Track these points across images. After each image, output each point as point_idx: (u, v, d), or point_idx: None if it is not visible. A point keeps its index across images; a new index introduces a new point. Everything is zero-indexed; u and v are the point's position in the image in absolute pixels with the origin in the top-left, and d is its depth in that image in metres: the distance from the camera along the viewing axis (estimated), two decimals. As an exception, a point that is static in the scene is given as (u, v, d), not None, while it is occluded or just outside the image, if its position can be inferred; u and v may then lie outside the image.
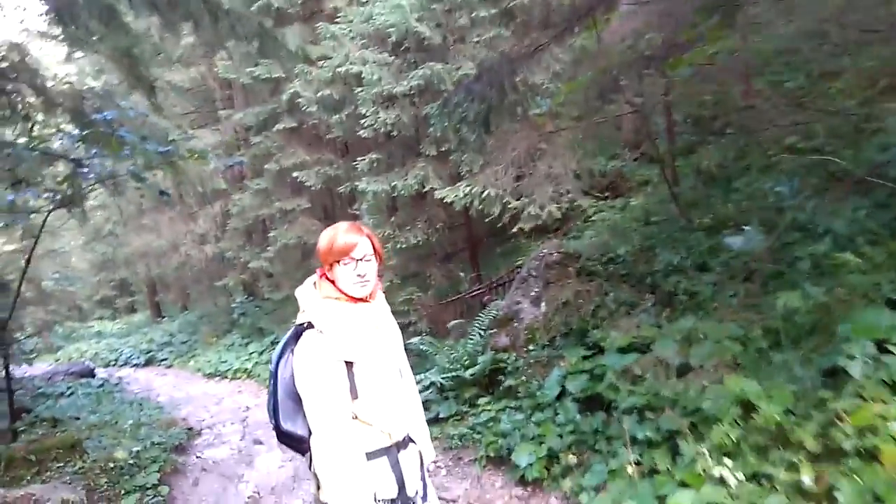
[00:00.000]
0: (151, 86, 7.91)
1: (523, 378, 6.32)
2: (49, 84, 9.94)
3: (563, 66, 7.69)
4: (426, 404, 7.04)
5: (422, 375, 7.31)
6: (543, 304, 6.86)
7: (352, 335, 2.23)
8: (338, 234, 2.29)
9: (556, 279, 6.91)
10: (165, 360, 18.68)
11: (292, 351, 2.29)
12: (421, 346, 7.64)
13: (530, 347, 6.63)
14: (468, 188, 5.13)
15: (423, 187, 8.64)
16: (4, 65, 9.06)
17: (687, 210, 7.09)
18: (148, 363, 19.21)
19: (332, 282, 2.31)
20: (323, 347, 2.17)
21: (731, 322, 4.67)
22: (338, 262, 2.26)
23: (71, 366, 17.50)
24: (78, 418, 8.46)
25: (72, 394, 13.45)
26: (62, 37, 8.73)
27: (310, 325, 2.24)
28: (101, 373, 17.55)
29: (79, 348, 22.81)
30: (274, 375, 2.35)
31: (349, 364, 2.21)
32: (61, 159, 8.15)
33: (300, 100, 11.42)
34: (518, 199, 5.56)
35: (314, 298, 2.29)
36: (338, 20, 10.82)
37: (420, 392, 7.45)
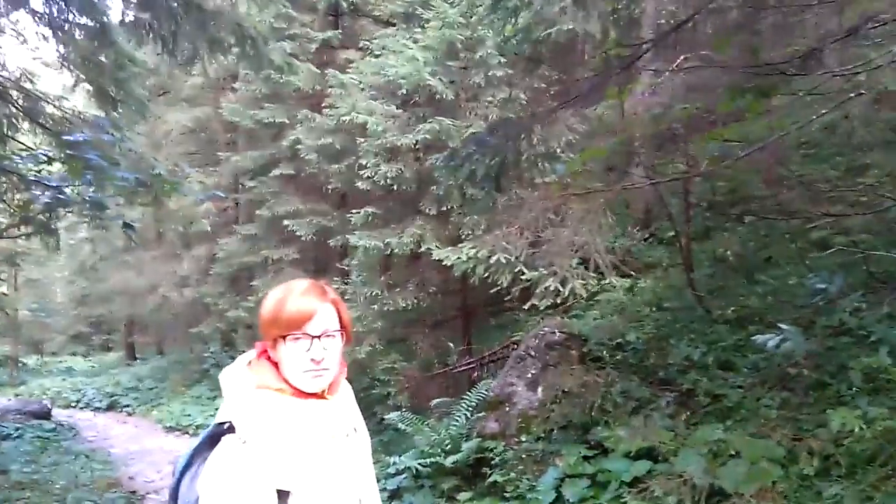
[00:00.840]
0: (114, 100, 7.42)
1: (512, 474, 5.52)
2: (46, 109, 9.45)
3: (579, 134, 7.20)
4: (398, 492, 6.16)
5: (396, 458, 6.45)
6: (541, 389, 6.10)
7: (291, 450, 1.47)
8: (289, 296, 1.57)
9: (557, 362, 6.18)
10: (128, 406, 17.59)
11: (203, 462, 1.56)
12: (399, 424, 6.80)
13: (522, 438, 5.84)
14: (472, 251, 4.40)
15: (419, 247, 8.02)
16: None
17: (705, 299, 6.44)
18: (110, 407, 18.10)
19: (275, 364, 1.58)
20: (243, 467, 1.42)
21: (766, 438, 3.93)
22: (285, 337, 1.54)
23: (27, 404, 16.41)
24: (6, 472, 7.49)
25: (19, 436, 12.43)
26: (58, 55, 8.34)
27: (231, 429, 1.49)
28: (58, 414, 16.47)
29: (42, 384, 21.64)
30: (174, 491, 1.60)
31: (282, 495, 1.46)
32: (38, 184, 7.56)
33: (300, 146, 10.96)
34: (533, 270, 4.74)
35: (243, 387, 1.55)
36: (349, 70, 10.47)
37: (393, 476, 6.61)
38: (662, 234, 9.58)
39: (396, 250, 8.10)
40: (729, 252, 7.65)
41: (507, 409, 6.17)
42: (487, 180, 4.35)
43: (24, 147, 6.61)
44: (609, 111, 7.49)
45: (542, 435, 5.72)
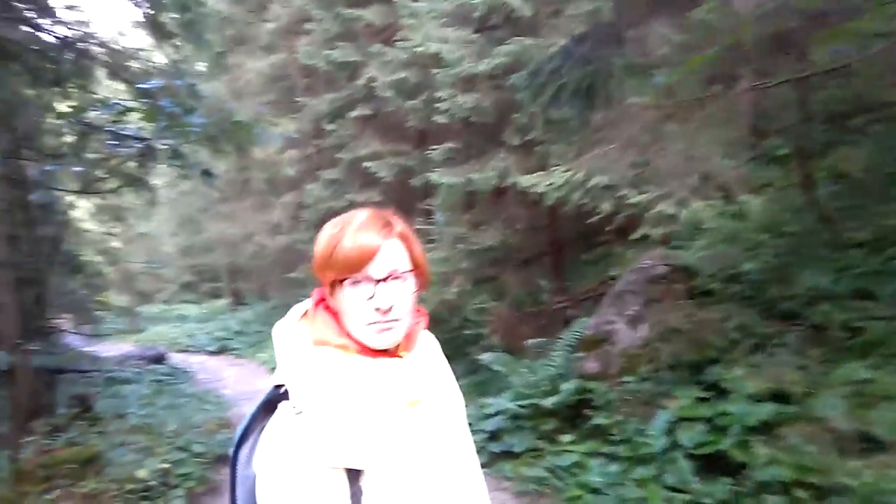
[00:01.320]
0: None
1: (617, 416, 5.18)
2: (127, 63, 9.54)
3: (675, 44, 6.40)
4: (496, 434, 5.97)
5: (492, 399, 6.25)
6: (645, 326, 5.65)
7: (359, 421, 1.16)
8: (345, 229, 1.25)
9: (662, 298, 5.68)
10: (237, 349, 18.49)
11: (259, 433, 1.27)
12: (493, 365, 6.57)
13: (626, 378, 5.45)
14: (565, 176, 3.84)
15: (504, 181, 7.56)
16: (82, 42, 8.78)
17: (832, 220, 5.68)
18: (221, 351, 19.10)
19: (335, 315, 1.28)
20: (300, 443, 1.14)
21: (926, 378, 3.35)
22: (342, 281, 1.24)
23: (145, 350, 17.57)
24: (123, 416, 7.91)
25: (138, 381, 13.31)
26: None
27: (287, 394, 1.21)
28: (174, 358, 17.55)
29: (159, 331, 23.13)
30: (233, 467, 1.34)
31: (353, 475, 1.16)
32: (131, 139, 7.64)
33: (375, 84, 10.57)
34: (640, 193, 4.05)
35: (297, 344, 1.25)
36: (420, -1, 9.87)
37: (489, 418, 6.42)
38: (771, 151, 8.63)
39: (480, 186, 7.68)
40: (853, 168, 6.73)
41: (608, 347, 5.78)
42: (577, 98, 3.83)
43: (99, 97, 6.60)
44: (712, 14, 6.61)
45: (648, 375, 5.31)
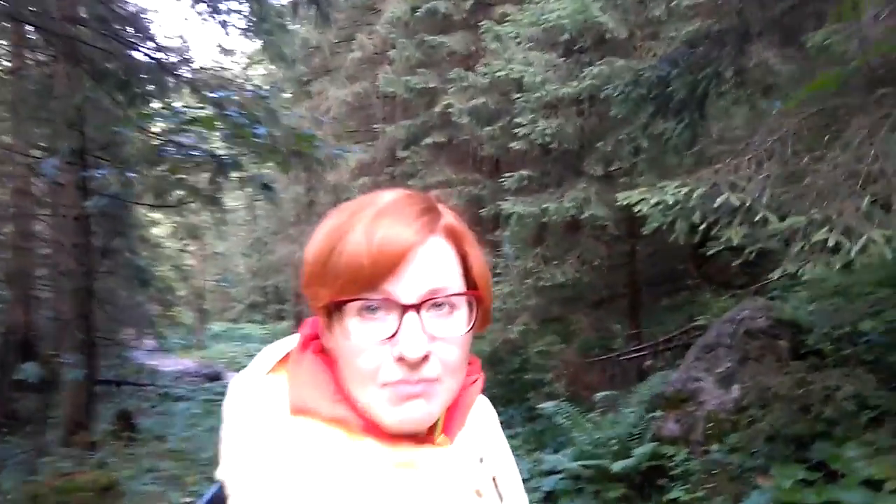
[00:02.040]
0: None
1: (700, 491, 4.40)
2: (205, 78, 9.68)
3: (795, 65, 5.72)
4: (553, 495, 5.25)
5: (551, 455, 5.56)
6: (737, 387, 4.87)
7: None
8: (359, 218, 0.70)
9: (761, 355, 4.89)
10: (293, 373, 18.37)
11: None
12: (555, 416, 5.87)
13: (713, 447, 4.68)
14: (681, 191, 3.04)
15: (582, 213, 6.95)
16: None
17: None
18: (276, 373, 19.04)
19: (330, 364, 0.75)
20: None
21: None
22: (343, 305, 0.69)
23: (203, 367, 17.70)
24: (162, 438, 7.65)
25: (191, 398, 13.26)
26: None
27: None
28: (230, 377, 17.57)
29: (221, 349, 23.44)
30: None
31: None
32: (206, 157, 7.57)
33: (452, 110, 10.27)
34: (782, 218, 2.99)
35: (264, 413, 0.72)
36: (506, 22, 9.56)
37: (546, 476, 5.71)
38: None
39: (555, 217, 7.10)
40: None
41: (692, 408, 5.01)
42: (687, 109, 3.22)
43: (166, 106, 6.50)
44: (833, 36, 5.91)
45: (740, 445, 4.52)
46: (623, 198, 3.36)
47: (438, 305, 0.69)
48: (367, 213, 0.70)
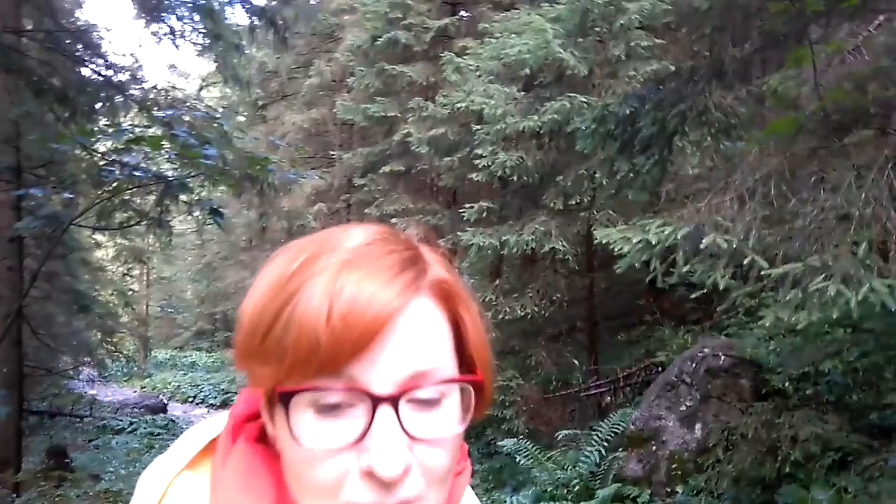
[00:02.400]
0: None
1: (664, 536, 4.27)
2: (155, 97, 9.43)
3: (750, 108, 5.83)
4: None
5: (510, 497, 5.37)
6: (700, 427, 4.81)
7: None
8: (320, 266, 0.52)
9: (722, 394, 4.85)
10: (240, 404, 17.72)
11: None
12: (516, 453, 5.70)
13: (677, 488, 4.58)
14: (663, 231, 2.94)
15: (542, 246, 6.89)
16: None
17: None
18: (224, 404, 18.33)
19: (269, 461, 0.57)
20: None
21: None
22: (291, 396, 0.50)
23: (145, 398, 16.95)
24: (97, 477, 7.16)
25: (133, 430, 12.63)
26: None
27: None
28: (174, 409, 16.84)
29: (165, 378, 22.53)
30: None
31: None
32: (152, 179, 7.25)
33: (411, 139, 10.19)
34: (773, 263, 2.89)
35: None
36: (467, 55, 9.58)
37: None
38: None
39: (514, 249, 7.02)
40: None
41: (654, 447, 4.92)
42: (657, 143, 3.17)
43: (108, 124, 6.20)
44: (786, 82, 6.07)
45: (705, 487, 4.43)
46: (602, 236, 3.26)
47: (421, 402, 0.51)
48: (329, 264, 0.51)
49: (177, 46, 9.84)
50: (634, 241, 2.98)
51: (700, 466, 4.54)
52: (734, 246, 2.87)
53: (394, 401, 0.49)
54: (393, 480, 0.49)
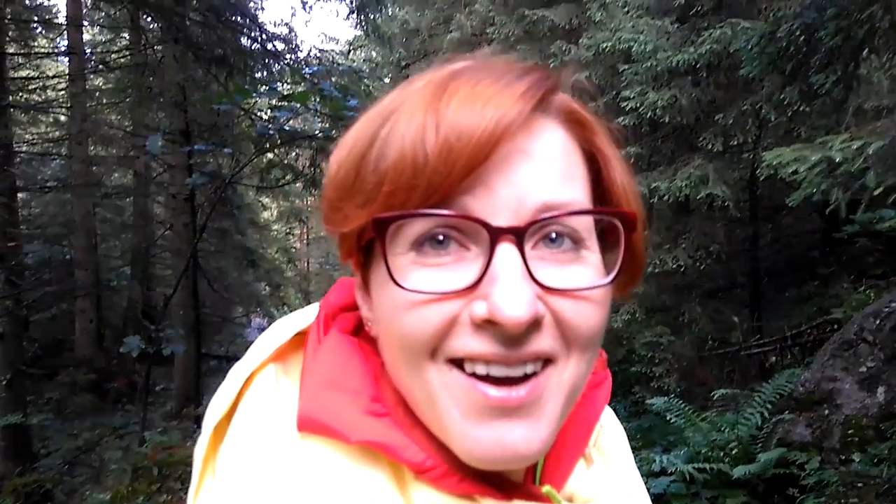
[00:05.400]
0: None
1: (838, 506, 3.84)
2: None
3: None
4: (664, 497, 4.82)
5: (661, 456, 5.10)
6: (883, 390, 4.23)
7: None
8: (422, 87, 0.43)
9: (914, 354, 4.21)
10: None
11: None
12: (667, 413, 5.40)
13: (853, 456, 4.08)
14: (849, 144, 2.50)
15: (697, 192, 6.35)
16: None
17: None
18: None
19: (368, 353, 0.49)
20: None
21: None
22: (389, 226, 0.41)
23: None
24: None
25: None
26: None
27: None
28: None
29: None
30: None
31: None
32: (306, 139, 7.69)
33: (554, 86, 9.82)
34: None
35: (255, 432, 0.45)
36: (612, -9, 8.98)
37: (655, 477, 5.28)
38: None
39: (665, 197, 6.54)
40: None
41: (827, 412, 4.42)
42: (842, 58, 2.70)
43: (258, 81, 6.57)
44: None
45: (888, 456, 3.90)
46: (772, 157, 2.85)
47: (554, 236, 0.41)
48: (435, 80, 0.43)
49: (323, 12, 10.22)
50: (813, 159, 2.55)
51: (883, 434, 4.01)
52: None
53: (518, 235, 0.39)
54: (517, 330, 0.39)
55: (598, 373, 0.54)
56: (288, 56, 10.35)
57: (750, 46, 3.32)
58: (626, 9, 8.53)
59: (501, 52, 0.54)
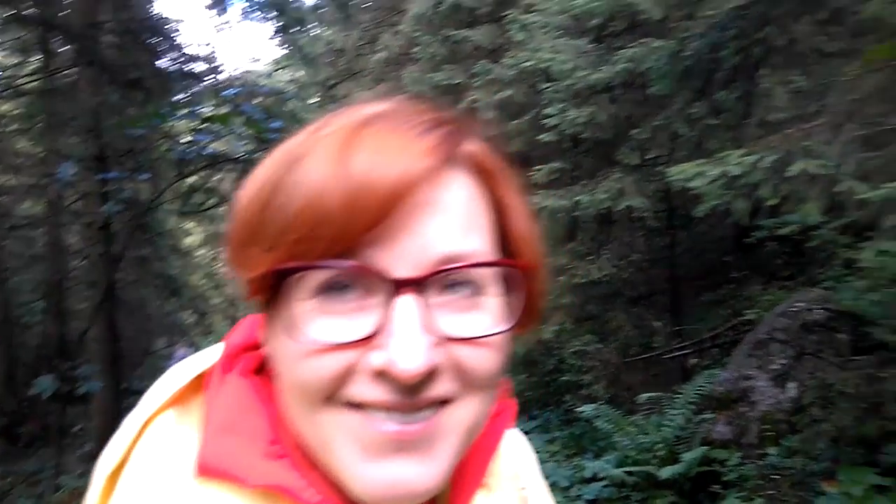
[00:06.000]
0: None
1: (759, 498, 4.04)
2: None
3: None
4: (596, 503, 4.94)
5: (593, 462, 5.23)
6: (794, 385, 4.49)
7: None
8: (329, 133, 0.43)
9: (819, 350, 4.50)
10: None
11: None
12: (596, 419, 5.54)
13: (769, 450, 4.31)
14: (746, 160, 2.64)
15: (617, 205, 6.62)
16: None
17: None
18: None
19: (265, 395, 0.49)
20: None
21: None
22: (290, 276, 0.42)
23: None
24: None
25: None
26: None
27: None
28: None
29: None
30: None
31: None
32: (229, 162, 7.49)
33: (477, 104, 10.01)
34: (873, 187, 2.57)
35: (152, 477, 0.45)
36: (532, 11, 9.28)
37: (587, 483, 5.39)
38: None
39: (588, 209, 6.77)
40: None
41: (744, 408, 4.66)
42: (742, 74, 2.89)
43: (176, 104, 6.41)
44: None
45: (801, 448, 4.14)
46: (676, 172, 3.01)
47: (455, 285, 0.42)
48: (344, 124, 0.43)
49: (246, 32, 10.08)
50: (713, 174, 2.72)
51: (794, 427, 4.25)
52: (827, 172, 2.58)
53: (418, 286, 0.40)
54: (412, 381, 0.40)
55: (500, 401, 0.54)
56: (209, 77, 10.14)
57: (660, 65, 3.52)
58: (544, 29, 8.82)
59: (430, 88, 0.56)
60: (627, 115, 6.78)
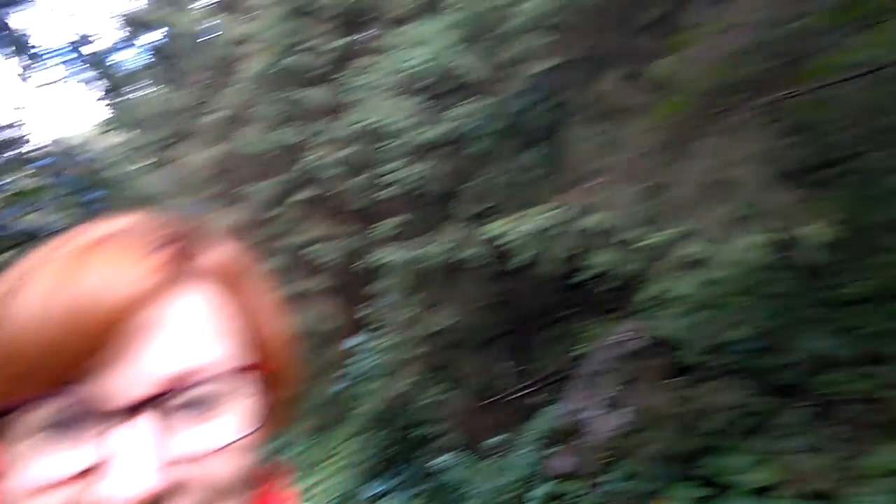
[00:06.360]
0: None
1: (601, 526, 4.28)
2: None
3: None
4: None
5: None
6: (624, 412, 4.87)
7: None
8: (50, 260, 0.43)
9: (641, 376, 4.94)
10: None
11: None
12: (454, 468, 5.61)
13: (607, 476, 4.61)
14: (548, 215, 2.90)
15: (459, 253, 6.89)
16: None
17: (822, 274, 5.12)
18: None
19: None
20: None
21: None
22: (6, 415, 0.40)
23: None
24: None
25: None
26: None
27: None
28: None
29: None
30: None
31: None
32: (44, 237, 6.82)
33: (317, 164, 10.06)
34: (656, 232, 2.89)
35: None
36: (366, 72, 9.56)
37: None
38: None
39: (433, 261, 6.98)
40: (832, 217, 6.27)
41: (583, 440, 4.95)
42: (547, 134, 3.21)
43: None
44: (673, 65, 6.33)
45: (635, 470, 4.48)
46: (487, 230, 3.26)
47: (189, 399, 0.42)
48: (60, 253, 0.43)
49: (64, 97, 9.44)
50: (522, 230, 2.98)
51: (628, 451, 4.60)
52: (616, 223, 2.92)
53: (140, 411, 0.40)
54: None
55: (273, 496, 0.52)
56: (18, 147, 9.29)
57: (476, 126, 3.80)
58: (377, 90, 9.11)
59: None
60: (460, 171, 7.15)
